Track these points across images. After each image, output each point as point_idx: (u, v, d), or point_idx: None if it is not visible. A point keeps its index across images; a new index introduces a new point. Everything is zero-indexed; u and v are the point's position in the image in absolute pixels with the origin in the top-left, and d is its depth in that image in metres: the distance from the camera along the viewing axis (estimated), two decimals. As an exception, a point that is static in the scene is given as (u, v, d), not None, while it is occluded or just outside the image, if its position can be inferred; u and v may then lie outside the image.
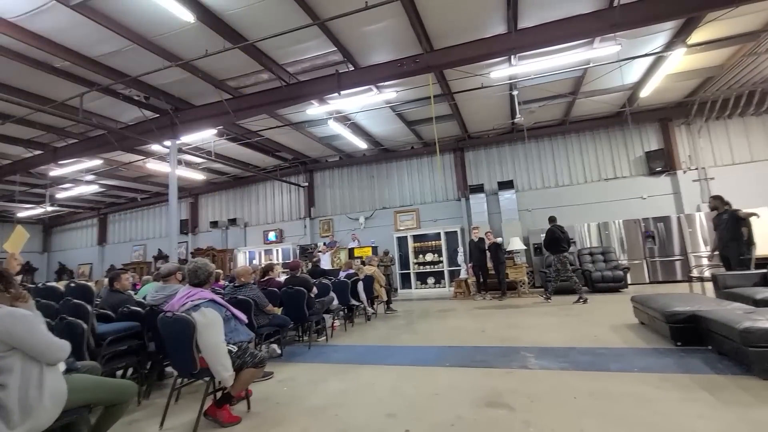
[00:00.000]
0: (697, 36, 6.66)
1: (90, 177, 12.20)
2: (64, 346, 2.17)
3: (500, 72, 7.29)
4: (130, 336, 3.59)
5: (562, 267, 7.43)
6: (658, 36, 6.89)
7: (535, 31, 6.00)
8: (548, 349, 4.16)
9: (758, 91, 8.95)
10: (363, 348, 5.06)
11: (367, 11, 5.14)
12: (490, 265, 8.85)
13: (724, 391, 2.71)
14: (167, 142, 8.35)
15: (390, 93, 8.01)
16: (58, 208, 16.05)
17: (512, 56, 7.04)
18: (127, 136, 8.32)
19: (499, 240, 9.30)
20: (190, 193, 15.15)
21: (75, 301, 3.26)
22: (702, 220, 9.10)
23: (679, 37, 6.79)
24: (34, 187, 12.82)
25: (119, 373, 3.77)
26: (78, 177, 12.06)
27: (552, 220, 7.85)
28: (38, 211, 15.03)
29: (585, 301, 7.09)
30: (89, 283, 3.59)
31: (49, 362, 2.09)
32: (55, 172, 10.83)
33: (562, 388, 3.04)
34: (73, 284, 3.45)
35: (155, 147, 9.95)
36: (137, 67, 6.57)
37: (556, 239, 7.40)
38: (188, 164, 11.95)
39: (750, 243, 5.82)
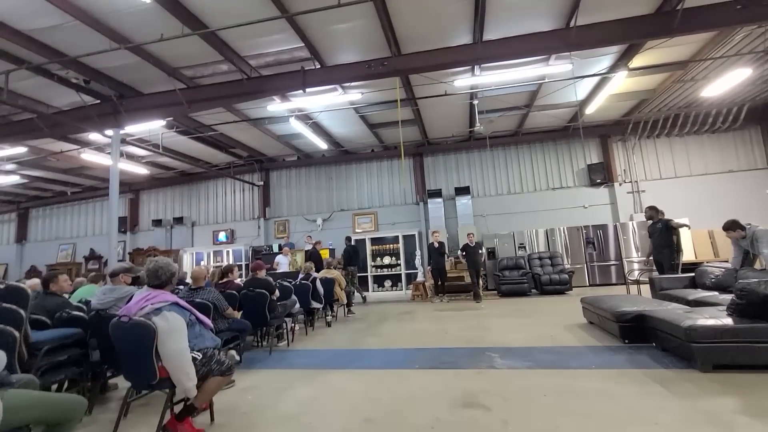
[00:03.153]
0: (637, 61, 7.35)
1: (10, 166, 10.80)
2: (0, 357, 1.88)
3: (463, 81, 7.53)
4: (71, 344, 3.19)
5: (348, 278, 9.01)
6: (604, 58, 7.49)
7: (498, 43, 6.26)
8: (511, 349, 4.32)
9: (682, 115, 10.07)
10: (328, 352, 4.92)
11: (339, 9, 5.05)
12: (448, 267, 9.07)
13: (675, 384, 2.96)
14: (109, 132, 7.61)
15: (355, 94, 7.96)
16: (-34, 200, 14.06)
17: (476, 66, 7.29)
18: (61, 122, 7.48)
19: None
20: (130, 188, 13.95)
21: (4, 305, 2.82)
22: (635, 228, 10.00)
23: (622, 61, 7.44)
24: (-64, 175, 11.12)
25: (54, 387, 3.33)
26: (-5, 165, 10.65)
27: (347, 240, 10.04)
28: (-60, 203, 13.06)
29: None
30: (23, 285, 3.14)
31: (-20, 377, 1.79)
32: (-34, 158, 9.48)
33: (531, 386, 3.15)
34: (2, 286, 3.00)
35: (92, 136, 9.07)
36: (78, 46, 5.93)
37: (350, 256, 9.55)
38: (130, 157, 11.00)
39: (678, 250, 6.47)
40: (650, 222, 6.81)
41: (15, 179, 11.88)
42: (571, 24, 5.89)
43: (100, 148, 9.84)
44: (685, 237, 8.92)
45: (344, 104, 8.65)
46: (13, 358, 2.64)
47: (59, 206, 15.03)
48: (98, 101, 7.46)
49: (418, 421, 2.67)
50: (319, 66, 6.91)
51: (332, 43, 6.53)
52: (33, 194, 14.64)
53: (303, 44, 6.38)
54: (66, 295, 4.08)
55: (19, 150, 9.36)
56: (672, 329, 3.50)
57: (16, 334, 2.66)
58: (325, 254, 11.20)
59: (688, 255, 9.12)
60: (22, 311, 2.80)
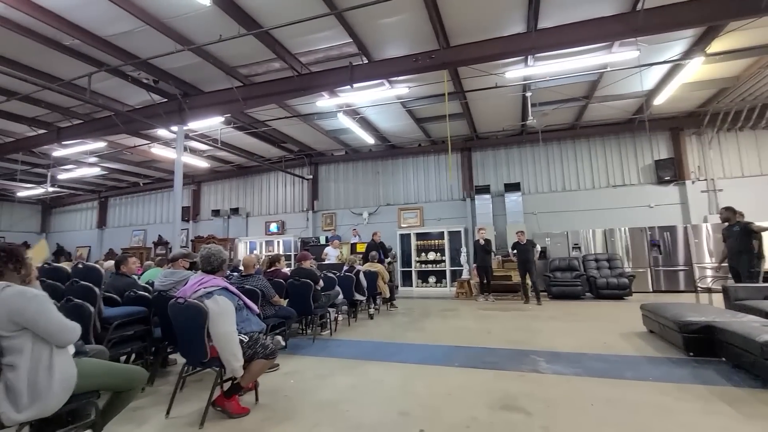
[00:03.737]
0: (717, 45, 6.58)
1: (93, 159, 12.08)
2: (76, 328, 2.11)
3: (515, 72, 7.18)
4: (137, 321, 3.52)
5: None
6: (677, 43, 6.81)
7: (555, 31, 5.89)
8: (559, 354, 4.11)
9: (772, 105, 8.90)
10: (368, 344, 5.00)
11: (386, 3, 5.04)
12: (495, 266, 8.79)
13: (745, 405, 2.65)
14: (174, 128, 8.25)
15: (402, 88, 7.91)
16: (58, 189, 15.91)
17: (529, 56, 6.95)
18: (134, 119, 8.20)
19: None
20: (193, 180, 15.04)
21: (82, 282, 3.18)
22: (709, 231, 9.06)
23: (698, 46, 6.72)
24: (35, 167, 12.69)
25: (122, 358, 3.69)
26: (81, 158, 11.95)
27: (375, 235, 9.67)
28: (39, 191, 14.88)
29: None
30: (97, 265, 3.52)
31: (60, 344, 2.02)
32: (58, 152, 10.71)
33: (578, 394, 2.98)
34: (80, 265, 3.38)
35: (160, 132, 9.83)
36: (148, 49, 6.46)
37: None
38: (193, 151, 11.83)
39: (760, 256, 5.78)
40: (726, 224, 6.14)
41: (97, 171, 13.26)
42: (638, 7, 5.40)
43: (167, 143, 10.67)
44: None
45: (391, 99, 8.64)
46: (88, 330, 2.97)
47: (133, 196, 16.57)
48: (165, 100, 8.09)
49: (454, 419, 2.63)
50: (367, 61, 6.95)
51: (380, 38, 6.53)
52: (111, 185, 16.27)
53: (351, 40, 6.45)
54: (135, 276, 4.51)
55: (100, 144, 10.43)
56: (745, 344, 3.13)
57: (92, 308, 2.98)
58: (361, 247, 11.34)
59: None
60: (96, 289, 3.13)
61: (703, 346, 3.78)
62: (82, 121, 9.13)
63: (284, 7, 5.67)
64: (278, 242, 13.31)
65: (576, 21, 5.72)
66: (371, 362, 4.11)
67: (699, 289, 6.79)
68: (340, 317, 6.38)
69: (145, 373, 2.41)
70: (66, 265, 4.33)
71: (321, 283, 5.47)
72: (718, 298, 5.57)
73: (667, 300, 6.63)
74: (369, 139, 10.81)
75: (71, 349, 2.15)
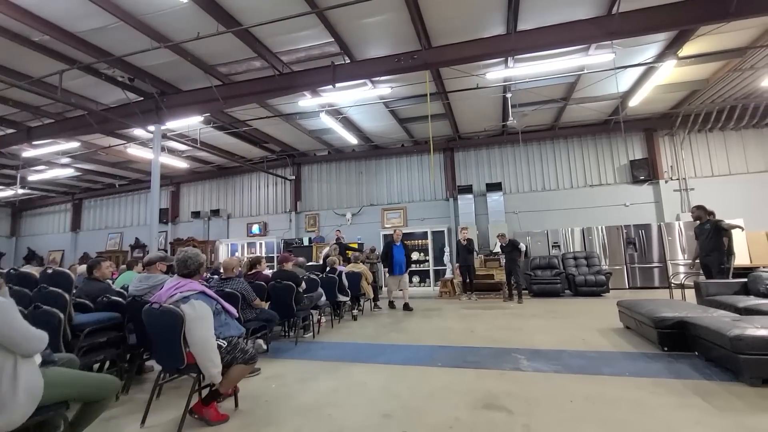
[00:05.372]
0: (688, 49, 6.83)
1: (66, 160, 11.65)
2: (42, 337, 2.02)
3: (496, 73, 7.29)
4: (110, 327, 3.40)
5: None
6: (650, 47, 7.02)
7: (534, 33, 6.00)
8: (539, 351, 4.17)
9: (739, 107, 9.27)
10: (352, 345, 4.96)
11: (368, 3, 5.03)
12: (477, 265, 8.87)
13: (717, 398, 2.74)
14: (151, 127, 8.02)
15: (385, 88, 7.92)
16: (29, 191, 15.30)
17: (509, 58, 7.05)
18: (109, 118, 7.95)
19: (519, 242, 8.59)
20: (171, 181, 14.67)
21: (51, 288, 3.05)
22: (681, 229, 9.37)
23: (670, 49, 6.94)
24: (3, 168, 12.15)
25: (96, 366, 3.56)
26: (53, 159, 11.52)
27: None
28: (8, 193, 14.28)
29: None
30: (67, 270, 3.38)
31: (25, 354, 1.93)
32: (28, 152, 10.29)
33: (558, 391, 3.03)
34: (49, 270, 3.24)
35: (137, 132, 9.57)
36: (123, 46, 6.27)
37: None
38: (171, 151, 11.54)
39: (729, 253, 6.00)
40: (697, 222, 6.36)
41: (70, 172, 12.79)
42: (614, 11, 5.55)
43: (144, 143, 10.38)
44: (739, 239, 8.29)
45: (374, 99, 8.64)
46: (58, 337, 2.85)
47: (108, 198, 16.06)
48: (141, 98, 7.87)
49: (436, 420, 2.63)
50: (349, 61, 6.93)
51: (362, 38, 6.51)
52: (85, 186, 15.73)
53: (333, 39, 6.41)
54: (109, 281, 4.35)
55: (73, 145, 10.07)
56: (716, 338, 3.24)
57: (61, 315, 2.87)
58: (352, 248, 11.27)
59: (742, 259, 8.47)
60: (66, 294, 3.01)
61: (677, 340, 3.90)
62: (53, 121, 8.80)
63: (265, 4, 5.59)
64: (260, 244, 13.12)
65: (554, 24, 5.84)
66: (354, 364, 4.08)
67: (672, 285, 7.02)
68: (323, 319, 6.33)
69: (118, 381, 2.33)
70: (35, 271, 4.16)
71: (303, 285, 5.40)
72: (690, 294, 5.77)
73: (643, 296, 6.85)
74: (352, 139, 10.77)
75: (38, 359, 2.06)
